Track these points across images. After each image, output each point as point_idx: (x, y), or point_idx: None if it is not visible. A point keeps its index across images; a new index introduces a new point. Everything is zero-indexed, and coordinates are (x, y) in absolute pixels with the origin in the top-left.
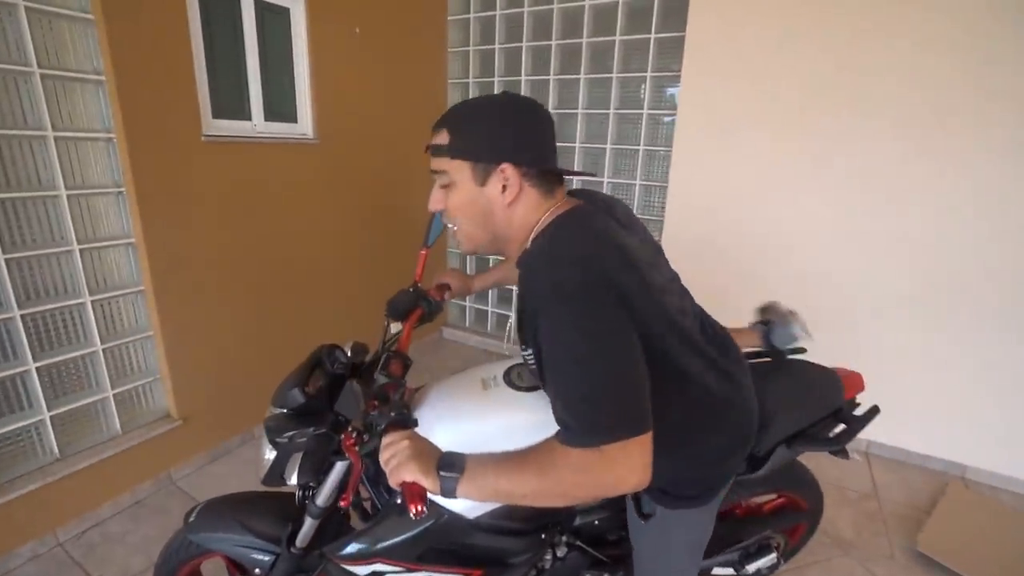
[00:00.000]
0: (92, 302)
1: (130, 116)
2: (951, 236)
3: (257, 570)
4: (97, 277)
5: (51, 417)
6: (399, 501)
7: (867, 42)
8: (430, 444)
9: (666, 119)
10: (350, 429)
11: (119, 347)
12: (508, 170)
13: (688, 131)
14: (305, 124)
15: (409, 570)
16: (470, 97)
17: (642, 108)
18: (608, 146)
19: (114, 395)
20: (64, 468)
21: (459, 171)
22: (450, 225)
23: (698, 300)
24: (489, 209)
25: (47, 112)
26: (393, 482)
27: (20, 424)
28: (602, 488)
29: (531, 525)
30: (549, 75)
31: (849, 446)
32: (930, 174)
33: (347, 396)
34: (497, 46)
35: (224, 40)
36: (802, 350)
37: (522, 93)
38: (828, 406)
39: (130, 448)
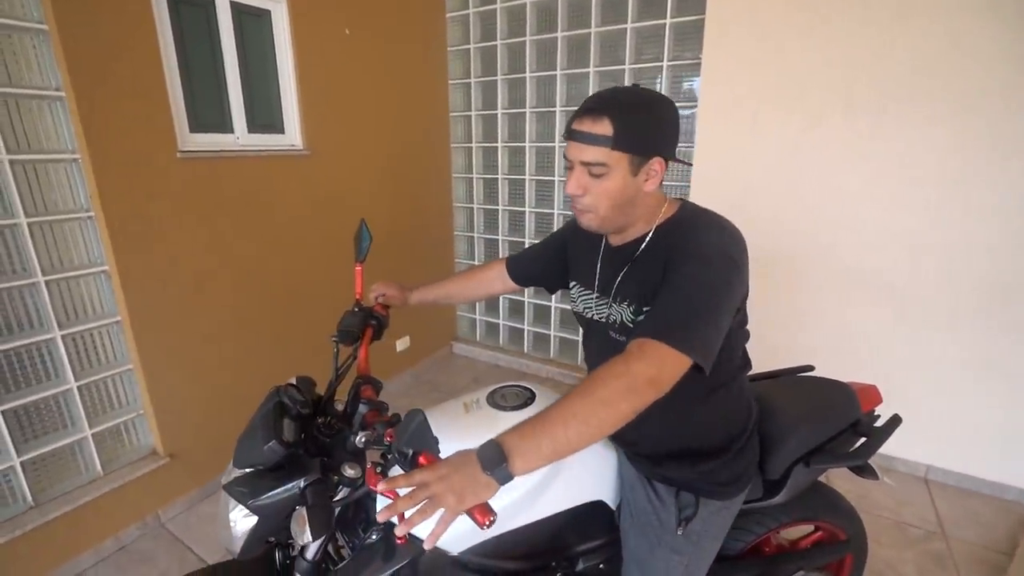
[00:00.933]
0: (63, 336)
1: (94, 134)
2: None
3: None
4: (67, 309)
5: (22, 463)
6: (373, 538)
7: (914, 18)
8: (461, 458)
9: (685, 112)
10: (372, 465)
11: (97, 383)
12: (657, 163)
13: (710, 123)
14: (293, 135)
15: None
16: (480, 94)
17: None
18: None
19: (93, 434)
20: (39, 517)
21: (618, 162)
22: (583, 209)
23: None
24: (632, 196)
25: None
26: (452, 518)
27: None
28: (641, 385)
29: (526, 565)
30: (556, 70)
31: (902, 469)
32: (992, 166)
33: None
34: (499, 42)
35: (199, 48)
36: (810, 367)
37: (527, 91)
38: (845, 419)
39: (113, 490)
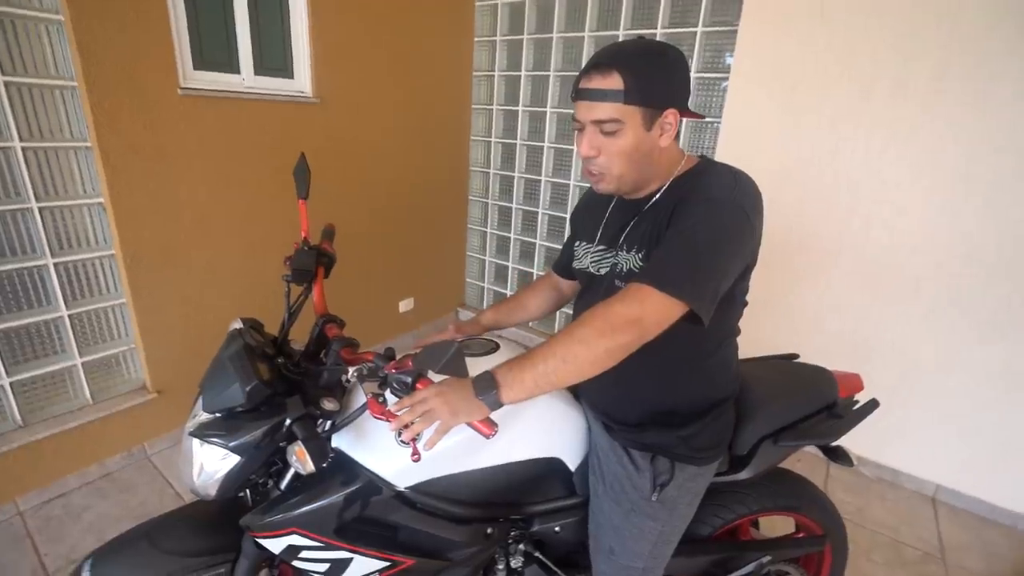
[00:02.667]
0: (55, 264)
1: (92, 62)
2: None
3: None
4: (61, 238)
5: (11, 383)
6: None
7: None
8: (457, 382)
9: (724, 84)
10: (373, 396)
11: (88, 313)
12: (671, 116)
13: (743, 93)
14: (302, 80)
15: (327, 545)
16: (510, 51)
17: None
18: None
19: (83, 363)
20: (26, 436)
21: (631, 117)
22: (597, 172)
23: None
24: (648, 152)
25: None
26: (446, 429)
27: None
28: (620, 325)
29: (473, 512)
30: (584, 31)
31: (908, 486)
32: None
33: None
34: None
35: None
36: (794, 356)
37: (552, 52)
38: (819, 400)
39: (101, 419)
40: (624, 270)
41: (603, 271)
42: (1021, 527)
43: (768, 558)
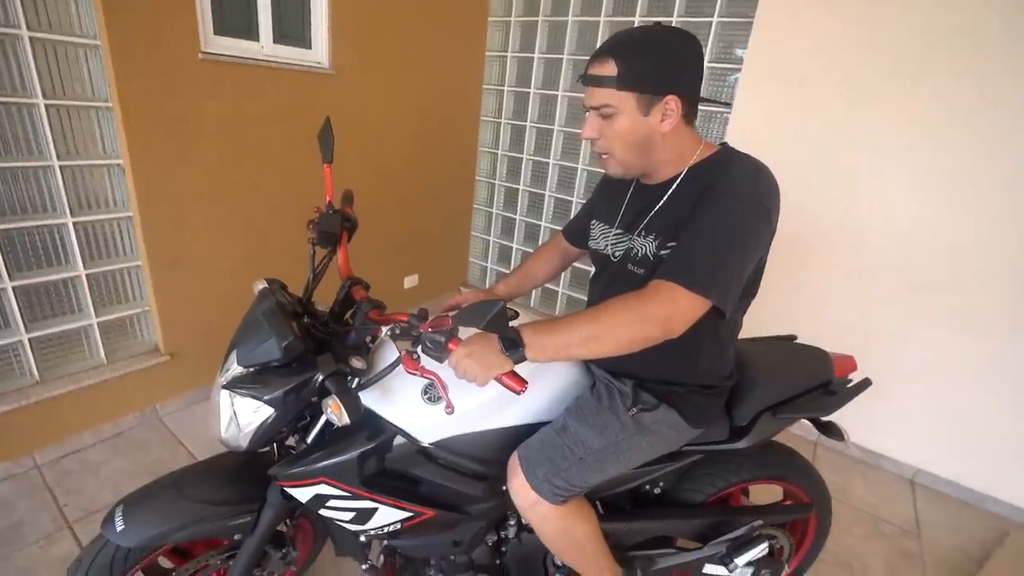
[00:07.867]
0: (74, 223)
1: (115, 22)
2: None
3: (237, 536)
4: (80, 198)
5: (30, 339)
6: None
7: None
8: (484, 338)
9: (734, 76)
10: (407, 353)
11: (105, 274)
12: (672, 102)
13: (754, 86)
14: (319, 51)
15: (353, 495)
16: (511, 37)
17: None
18: None
19: (99, 323)
20: (43, 391)
21: (624, 102)
22: (602, 155)
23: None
24: (648, 137)
25: (22, 10)
26: (481, 384)
27: None
28: (650, 320)
29: (492, 470)
30: (600, 16)
31: (890, 469)
32: None
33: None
34: None
35: None
36: (792, 337)
37: (567, 35)
38: (816, 378)
39: (115, 378)
40: (639, 255)
41: (618, 255)
42: (992, 508)
43: (760, 522)
